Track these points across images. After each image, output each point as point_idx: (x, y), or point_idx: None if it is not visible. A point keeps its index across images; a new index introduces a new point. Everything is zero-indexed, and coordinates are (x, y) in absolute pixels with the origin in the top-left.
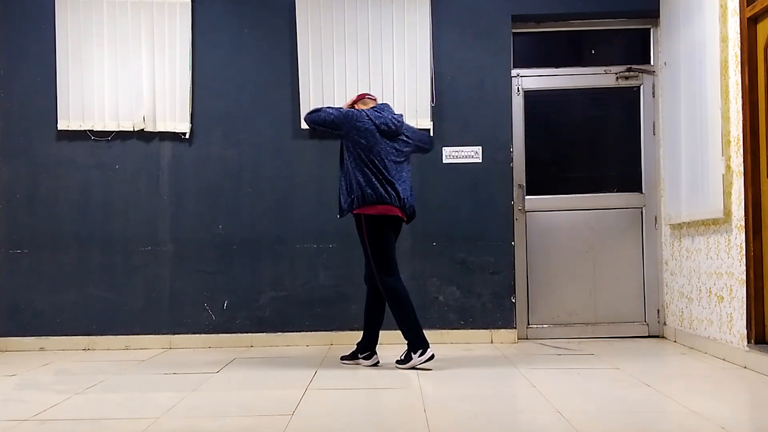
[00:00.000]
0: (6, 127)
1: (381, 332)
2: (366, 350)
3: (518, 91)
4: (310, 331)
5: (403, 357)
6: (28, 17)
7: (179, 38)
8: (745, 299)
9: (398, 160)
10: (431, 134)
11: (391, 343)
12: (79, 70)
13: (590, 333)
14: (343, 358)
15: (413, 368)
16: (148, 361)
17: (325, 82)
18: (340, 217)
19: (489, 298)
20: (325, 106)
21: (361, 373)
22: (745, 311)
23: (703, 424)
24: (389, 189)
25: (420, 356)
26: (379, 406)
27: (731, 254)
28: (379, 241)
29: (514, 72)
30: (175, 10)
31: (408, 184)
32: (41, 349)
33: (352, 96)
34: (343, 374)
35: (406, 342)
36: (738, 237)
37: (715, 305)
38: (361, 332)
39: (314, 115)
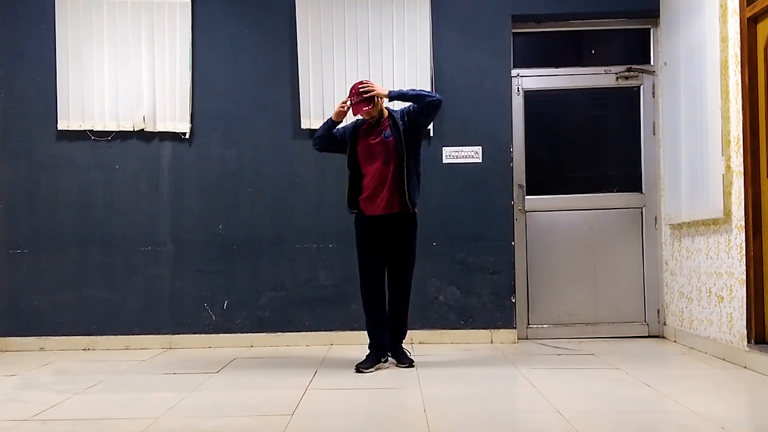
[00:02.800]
0: (6, 127)
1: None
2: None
3: (518, 91)
4: (310, 331)
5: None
6: (28, 17)
7: (179, 38)
8: (745, 299)
9: None
10: (431, 134)
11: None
12: (79, 70)
13: (590, 333)
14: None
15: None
16: (148, 361)
17: (325, 82)
18: (414, 210)
19: (489, 298)
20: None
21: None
22: (745, 311)
23: (703, 424)
24: None
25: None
26: (380, 406)
27: (731, 254)
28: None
29: (514, 72)
30: (175, 10)
31: None
32: (41, 349)
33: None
34: (343, 374)
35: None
36: (738, 237)
37: (715, 305)
38: (360, 332)
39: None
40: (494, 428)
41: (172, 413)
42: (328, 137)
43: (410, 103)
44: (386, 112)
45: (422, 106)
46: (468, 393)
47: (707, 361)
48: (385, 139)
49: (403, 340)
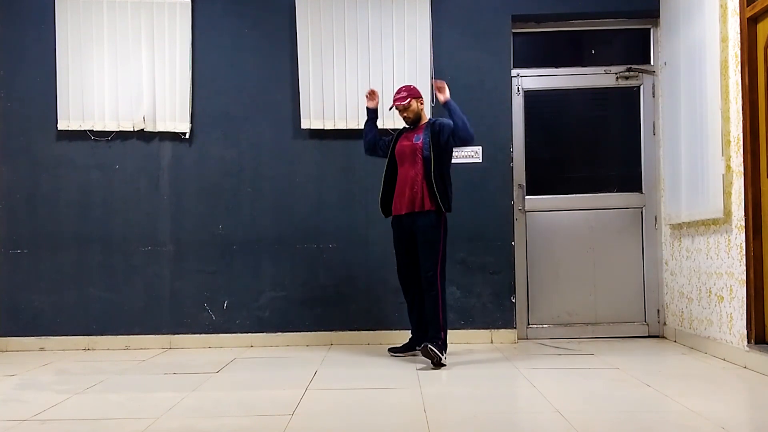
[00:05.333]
0: (6, 127)
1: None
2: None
3: (518, 91)
4: (310, 331)
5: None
6: (28, 17)
7: (179, 38)
8: (745, 299)
9: None
10: None
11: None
12: (79, 70)
13: (590, 333)
14: (393, 350)
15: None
16: (148, 361)
17: (325, 82)
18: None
19: (489, 298)
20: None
21: (361, 373)
22: (745, 311)
23: (703, 424)
24: None
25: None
26: (379, 406)
27: (731, 254)
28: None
29: (514, 72)
30: (175, 10)
31: None
32: (41, 349)
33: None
34: (343, 374)
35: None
36: (738, 237)
37: (715, 305)
38: (360, 332)
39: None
40: (494, 428)
41: (172, 413)
42: (372, 141)
43: (447, 123)
44: (425, 118)
45: (457, 132)
46: (468, 393)
47: (707, 361)
48: (414, 142)
49: (437, 342)
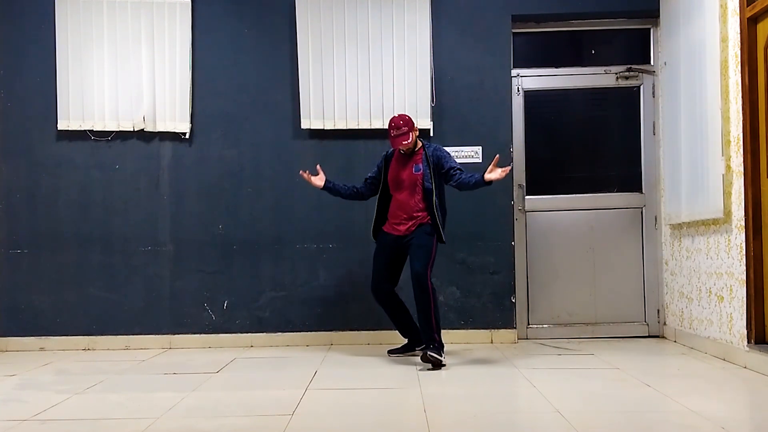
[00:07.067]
0: (6, 127)
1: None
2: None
3: (518, 91)
4: (310, 331)
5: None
6: (28, 17)
7: (179, 38)
8: (745, 299)
9: None
10: (431, 134)
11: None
12: (79, 70)
13: (590, 333)
14: (391, 351)
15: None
16: (148, 361)
17: (325, 82)
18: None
19: (489, 298)
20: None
21: (361, 373)
22: (745, 311)
23: (703, 424)
24: None
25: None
26: (379, 406)
27: (731, 254)
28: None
29: (514, 72)
30: (175, 10)
31: None
32: (41, 349)
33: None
34: (343, 374)
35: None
36: (738, 237)
37: (715, 305)
38: (360, 332)
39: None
40: (494, 428)
41: (172, 413)
42: (354, 193)
43: (444, 151)
44: (420, 144)
45: (462, 187)
46: (468, 393)
47: (707, 361)
48: (414, 173)
49: (433, 345)
